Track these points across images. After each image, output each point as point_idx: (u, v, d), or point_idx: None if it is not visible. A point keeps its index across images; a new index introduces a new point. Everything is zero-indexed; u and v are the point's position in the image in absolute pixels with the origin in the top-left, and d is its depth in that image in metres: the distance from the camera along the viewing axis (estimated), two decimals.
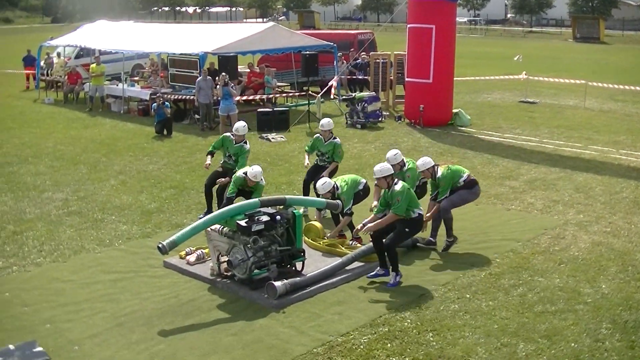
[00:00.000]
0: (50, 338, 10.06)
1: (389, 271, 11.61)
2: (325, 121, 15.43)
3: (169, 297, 11.23)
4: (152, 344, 9.75)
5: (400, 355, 9.26)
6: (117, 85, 31.42)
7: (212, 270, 11.99)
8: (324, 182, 13.38)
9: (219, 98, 24.09)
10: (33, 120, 28.83)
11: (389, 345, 9.53)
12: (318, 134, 15.45)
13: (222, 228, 11.73)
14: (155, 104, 25.43)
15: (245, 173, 13.59)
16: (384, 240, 11.64)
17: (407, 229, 11.59)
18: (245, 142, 15.14)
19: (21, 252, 13.56)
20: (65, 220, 15.36)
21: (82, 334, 10.11)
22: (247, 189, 13.72)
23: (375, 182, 12.11)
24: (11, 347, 9.75)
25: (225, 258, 11.69)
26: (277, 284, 10.90)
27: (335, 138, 15.33)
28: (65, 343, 9.90)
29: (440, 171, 12.93)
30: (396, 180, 11.85)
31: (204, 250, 12.62)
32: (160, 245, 11.19)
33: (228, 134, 15.38)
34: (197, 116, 26.36)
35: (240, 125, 15.18)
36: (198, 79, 25.24)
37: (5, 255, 13.41)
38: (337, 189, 13.44)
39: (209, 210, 14.45)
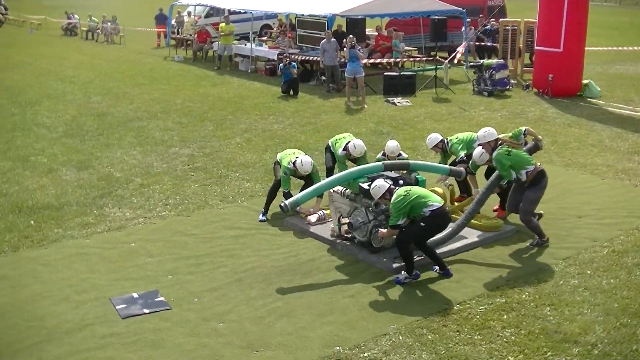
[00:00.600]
0: (171, 289, 10.37)
1: (449, 271, 10.71)
2: (392, 145, 13.30)
3: (288, 256, 11.39)
4: (269, 301, 9.93)
5: (516, 327, 9.15)
6: (246, 44, 31.82)
7: (333, 231, 12.09)
8: (430, 136, 13.50)
9: (346, 60, 24.06)
10: (163, 77, 29.53)
11: (505, 316, 9.43)
12: (381, 155, 13.48)
13: (345, 190, 11.79)
14: (282, 64, 25.67)
15: (294, 163, 12.95)
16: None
17: (422, 224, 10.37)
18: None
19: (148, 204, 13.97)
20: (191, 175, 15.72)
21: (202, 287, 10.38)
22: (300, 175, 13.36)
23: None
24: (135, 295, 10.12)
25: (346, 220, 11.76)
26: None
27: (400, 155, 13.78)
28: (185, 294, 10.19)
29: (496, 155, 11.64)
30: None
31: (325, 212, 12.73)
32: (282, 204, 11.34)
33: (292, 166, 13.04)
34: (323, 77, 26.44)
35: (307, 162, 12.96)
36: (322, 42, 25.24)
37: (133, 207, 13.85)
38: (447, 144, 13.32)
39: (267, 208, 13.32)
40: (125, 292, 10.29)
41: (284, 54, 27.10)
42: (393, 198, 10.43)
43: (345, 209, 11.73)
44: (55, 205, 13.94)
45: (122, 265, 11.27)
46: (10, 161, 17.22)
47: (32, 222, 13.12)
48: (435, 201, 10.46)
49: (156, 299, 10.02)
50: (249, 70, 30.52)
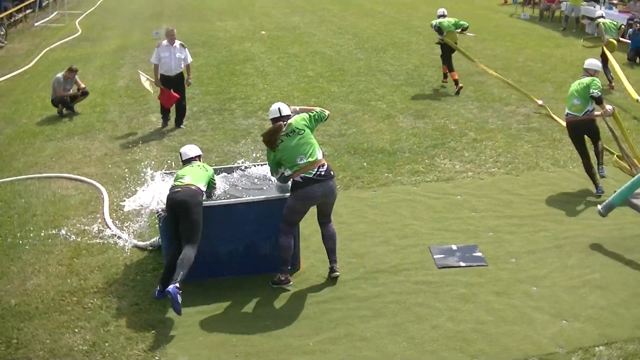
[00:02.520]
0: (490, 245, 10.46)
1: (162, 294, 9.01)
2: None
3: (612, 229, 10.96)
4: (586, 272, 9.69)
5: None
6: (595, 6, 30.70)
7: None
8: None
9: None
10: (507, 34, 29.29)
11: None
12: None
13: None
14: (631, 29, 24.57)
15: None
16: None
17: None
18: None
19: (478, 159, 14.08)
20: (524, 135, 15.59)
21: (521, 248, 10.35)
22: None
23: None
24: (453, 247, 10.31)
25: None
26: None
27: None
28: (503, 253, 10.23)
29: None
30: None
31: None
32: (598, 209, 10.91)
33: None
34: None
35: None
36: None
37: (464, 160, 14.03)
38: None
39: None
40: (444, 242, 10.53)
41: (634, 19, 25.87)
42: None
43: None
44: (389, 151, 14.47)
45: (445, 216, 11.51)
46: (352, 104, 18.05)
47: (365, 164, 13.72)
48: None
49: (474, 254, 10.15)
50: (596, 34, 29.45)
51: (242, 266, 9.55)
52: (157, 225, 9.75)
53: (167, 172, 10.78)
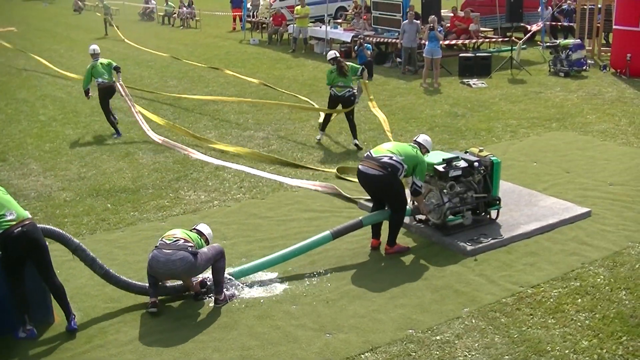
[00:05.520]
0: None
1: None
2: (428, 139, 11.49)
3: (362, 239, 11.30)
4: (342, 284, 9.94)
5: (590, 311, 9.02)
6: (321, 27, 31.85)
7: None
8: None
9: (424, 41, 23.97)
10: (238, 60, 29.75)
11: (579, 300, 9.30)
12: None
13: None
14: (356, 46, 25.69)
15: None
16: None
17: None
18: None
19: (222, 187, 14.11)
20: (264, 158, 15.78)
21: (274, 268, 10.42)
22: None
23: None
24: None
25: None
26: None
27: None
28: (259, 274, 10.28)
29: None
30: None
31: None
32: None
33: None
34: (398, 59, 26.37)
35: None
36: (404, 22, 25.24)
37: (208, 189, 14.01)
38: None
39: None
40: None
41: (359, 36, 27.09)
42: None
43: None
44: (132, 189, 14.19)
45: None
46: (89, 145, 17.57)
47: (109, 205, 13.38)
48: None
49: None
50: (324, 53, 30.53)
51: None
52: None
53: None
